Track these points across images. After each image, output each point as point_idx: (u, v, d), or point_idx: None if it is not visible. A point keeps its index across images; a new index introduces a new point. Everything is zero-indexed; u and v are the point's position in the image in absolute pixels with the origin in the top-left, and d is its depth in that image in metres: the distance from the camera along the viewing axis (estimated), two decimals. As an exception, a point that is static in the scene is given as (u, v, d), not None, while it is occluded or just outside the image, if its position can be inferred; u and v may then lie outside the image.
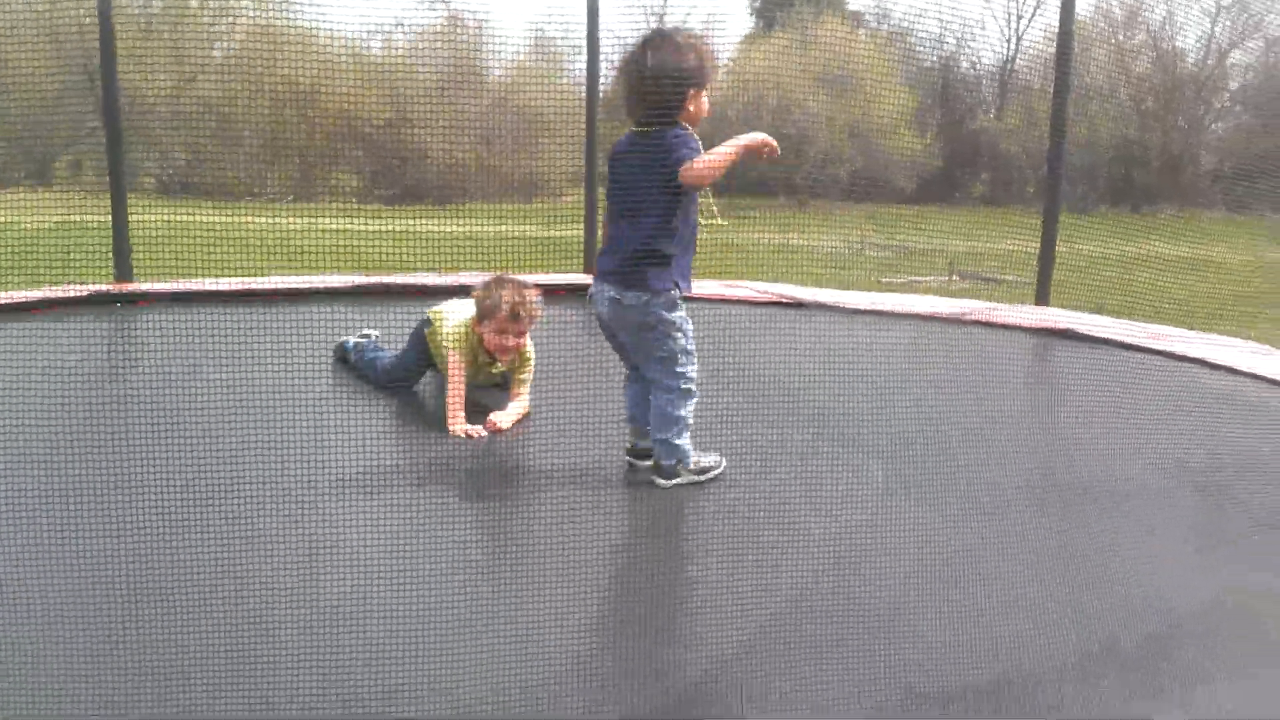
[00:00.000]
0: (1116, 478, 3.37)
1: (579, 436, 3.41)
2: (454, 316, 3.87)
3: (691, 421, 3.12)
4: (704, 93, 3.01)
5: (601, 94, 6.84)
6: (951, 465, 3.40)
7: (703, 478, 3.10)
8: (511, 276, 3.77)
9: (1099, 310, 6.54)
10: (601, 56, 6.77)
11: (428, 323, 4.01)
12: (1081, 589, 2.56)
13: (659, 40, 2.99)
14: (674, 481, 3.08)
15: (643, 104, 2.97)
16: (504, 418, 3.66)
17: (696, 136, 2.98)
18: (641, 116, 2.99)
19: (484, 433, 3.57)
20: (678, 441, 3.09)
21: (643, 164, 2.97)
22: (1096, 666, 2.16)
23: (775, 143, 2.99)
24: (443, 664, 2.03)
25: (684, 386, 3.10)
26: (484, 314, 3.72)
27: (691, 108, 2.99)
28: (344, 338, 4.38)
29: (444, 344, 3.82)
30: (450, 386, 3.69)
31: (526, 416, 3.77)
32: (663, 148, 2.91)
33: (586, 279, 6.46)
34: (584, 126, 6.80)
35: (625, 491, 3.11)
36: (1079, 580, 2.61)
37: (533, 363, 3.85)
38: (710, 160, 2.91)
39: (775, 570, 2.52)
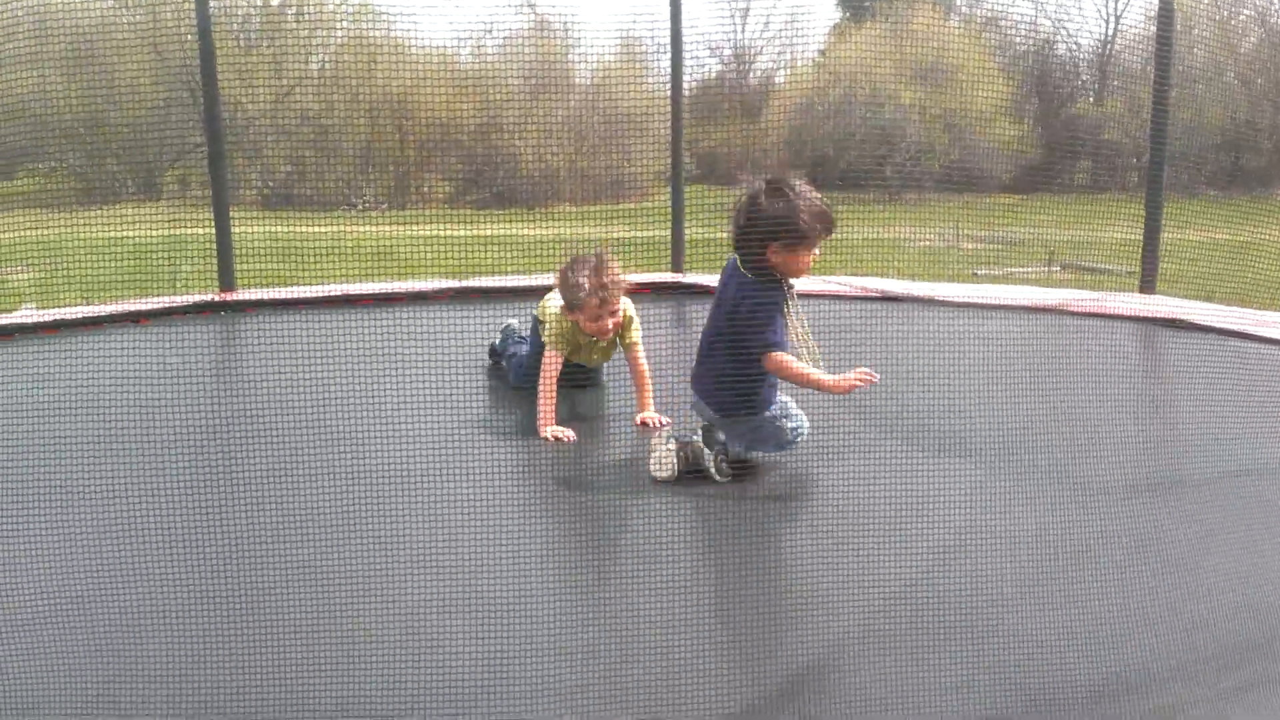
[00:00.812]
0: (1225, 470, 3.24)
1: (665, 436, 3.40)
2: (555, 307, 3.83)
3: None
4: (802, 251, 3.07)
5: (687, 92, 6.84)
6: (1057, 458, 3.30)
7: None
8: (584, 257, 3.68)
9: (1208, 299, 6.29)
10: (686, 54, 6.76)
11: (539, 322, 3.95)
12: (1192, 586, 2.46)
13: (772, 185, 3.09)
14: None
15: (736, 240, 3.14)
16: (651, 415, 3.68)
17: (787, 288, 3.09)
18: (737, 252, 3.16)
19: (573, 436, 3.53)
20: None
21: (732, 299, 3.14)
22: (1204, 667, 2.07)
23: (873, 378, 3.03)
24: (558, 665, 2.05)
25: (792, 441, 3.24)
26: (573, 306, 3.69)
27: (776, 259, 3.07)
28: (491, 339, 4.35)
29: (547, 341, 3.79)
30: (542, 389, 3.64)
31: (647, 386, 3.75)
32: (741, 294, 3.10)
33: (674, 277, 6.47)
34: (669, 126, 6.80)
35: (717, 490, 3.10)
36: (1188, 577, 2.51)
37: (637, 320, 3.79)
38: (792, 368, 3.06)
39: (878, 568, 2.48)
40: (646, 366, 3.77)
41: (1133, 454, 3.40)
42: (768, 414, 3.20)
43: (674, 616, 2.29)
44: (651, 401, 3.73)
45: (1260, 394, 3.86)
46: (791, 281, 3.16)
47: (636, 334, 3.80)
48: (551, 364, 3.69)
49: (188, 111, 12.33)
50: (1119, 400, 3.87)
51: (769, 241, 3.06)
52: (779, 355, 3.08)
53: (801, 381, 3.10)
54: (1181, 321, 5.25)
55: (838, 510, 2.94)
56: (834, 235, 3.14)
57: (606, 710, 1.93)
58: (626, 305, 3.78)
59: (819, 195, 3.09)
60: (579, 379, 3.99)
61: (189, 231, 7.20)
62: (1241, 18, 16.66)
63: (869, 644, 2.20)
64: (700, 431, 3.19)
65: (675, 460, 3.13)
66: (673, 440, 3.16)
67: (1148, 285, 6.11)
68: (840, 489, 3.05)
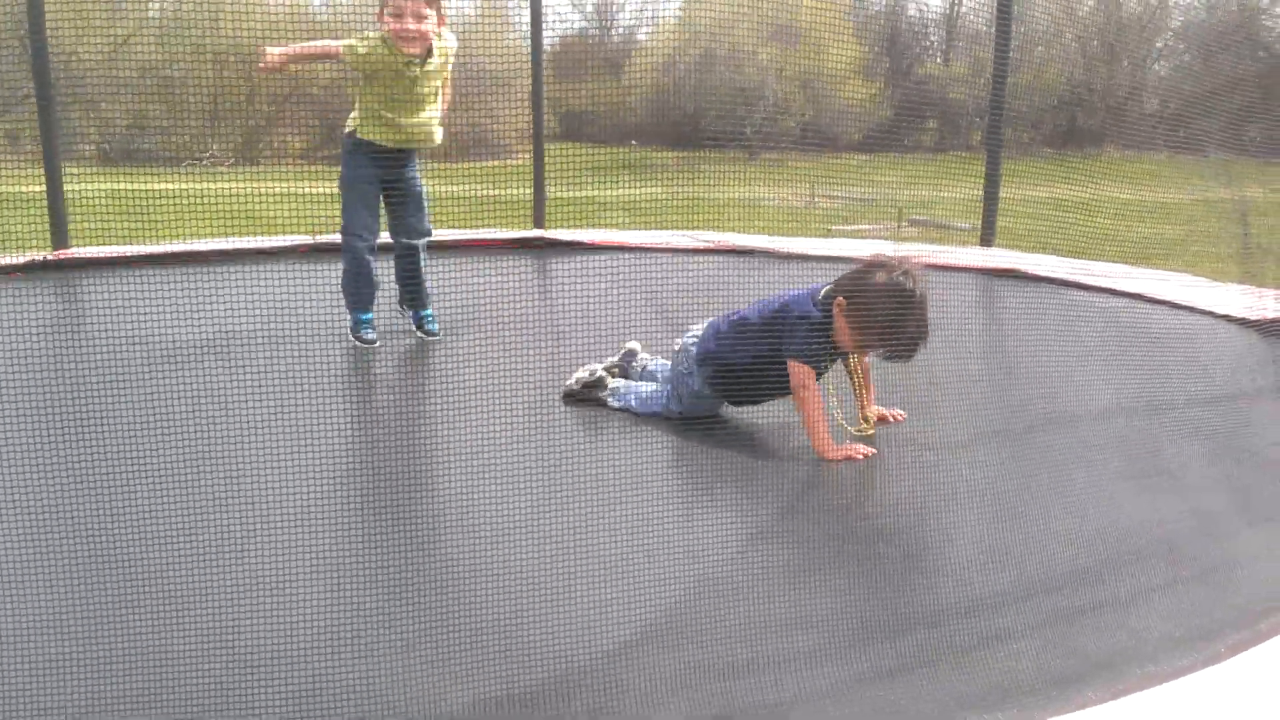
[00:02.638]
0: (1060, 414, 3.46)
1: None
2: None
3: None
4: (855, 336, 3.11)
5: (548, 48, 6.79)
6: (899, 402, 3.47)
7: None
8: None
9: (1045, 252, 6.64)
10: (547, 8, 6.72)
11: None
12: (1022, 521, 2.64)
13: (878, 264, 3.12)
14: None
15: (840, 281, 3.18)
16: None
17: (830, 343, 3.13)
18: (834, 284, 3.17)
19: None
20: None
21: (791, 305, 3.19)
22: (1036, 595, 2.24)
23: (870, 452, 3.09)
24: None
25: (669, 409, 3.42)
26: (382, 4, 3.72)
27: (840, 319, 3.12)
28: (578, 374, 3.62)
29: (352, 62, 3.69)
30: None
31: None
32: (794, 318, 3.15)
33: (535, 234, 6.47)
34: (529, 83, 6.77)
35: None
36: (1019, 513, 2.69)
37: (453, 50, 3.86)
38: (809, 396, 3.10)
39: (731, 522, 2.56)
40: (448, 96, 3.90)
41: (974, 404, 3.60)
42: (692, 389, 3.34)
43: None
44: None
45: (1089, 340, 4.12)
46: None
47: (445, 64, 3.86)
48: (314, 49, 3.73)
49: (17, 61, 11.56)
50: (958, 350, 4.08)
51: (854, 306, 3.09)
52: (806, 371, 3.10)
53: (805, 418, 3.12)
54: (1017, 272, 5.55)
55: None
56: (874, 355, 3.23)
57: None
58: (448, 40, 3.85)
59: (923, 326, 3.08)
60: (397, 184, 3.94)
61: (25, 189, 6.80)
62: (1078, -16, 17.40)
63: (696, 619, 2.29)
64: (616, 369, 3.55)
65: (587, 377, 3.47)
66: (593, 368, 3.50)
67: (987, 239, 6.42)
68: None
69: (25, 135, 13.50)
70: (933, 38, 20.59)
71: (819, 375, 3.16)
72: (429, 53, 3.76)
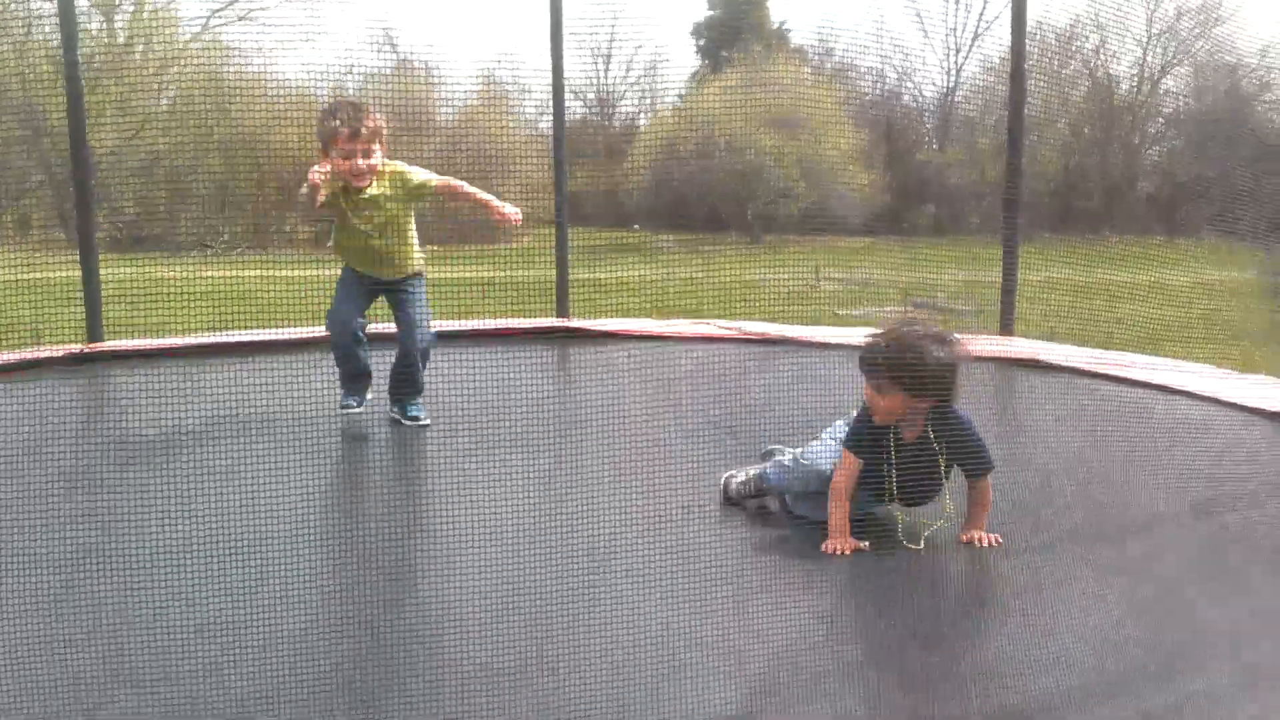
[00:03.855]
0: (1109, 513, 3.44)
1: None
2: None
3: None
4: (884, 397, 3.10)
5: (551, 133, 6.92)
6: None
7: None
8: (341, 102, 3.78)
9: (1050, 336, 6.67)
10: (539, 98, 6.85)
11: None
12: (1050, 621, 2.61)
13: (910, 328, 3.14)
14: None
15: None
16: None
17: (876, 428, 3.12)
18: None
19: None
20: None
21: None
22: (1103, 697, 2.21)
23: (862, 546, 3.09)
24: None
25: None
26: (326, 144, 3.73)
27: (871, 401, 3.14)
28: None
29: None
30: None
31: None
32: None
33: (558, 323, 6.50)
34: (535, 167, 6.86)
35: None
36: (1046, 613, 2.66)
37: (417, 172, 3.85)
38: (842, 478, 3.13)
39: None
40: (488, 196, 3.90)
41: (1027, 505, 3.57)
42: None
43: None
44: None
45: (1113, 434, 4.11)
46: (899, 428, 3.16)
47: (421, 174, 3.87)
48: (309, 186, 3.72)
49: (29, 150, 11.74)
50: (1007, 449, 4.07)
51: (871, 376, 3.12)
52: (848, 459, 3.14)
53: (831, 497, 3.13)
54: (1038, 362, 5.55)
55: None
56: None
57: None
58: (397, 163, 3.85)
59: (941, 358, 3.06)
60: (390, 291, 3.99)
61: (35, 276, 6.84)
62: (1070, 69, 17.85)
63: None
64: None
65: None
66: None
67: (1006, 324, 6.43)
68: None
69: (35, 222, 13.67)
70: (928, 124, 21.00)
71: (878, 465, 3.15)
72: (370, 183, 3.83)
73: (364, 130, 3.67)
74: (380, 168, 3.80)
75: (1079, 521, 3.31)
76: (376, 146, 3.76)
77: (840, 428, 3.30)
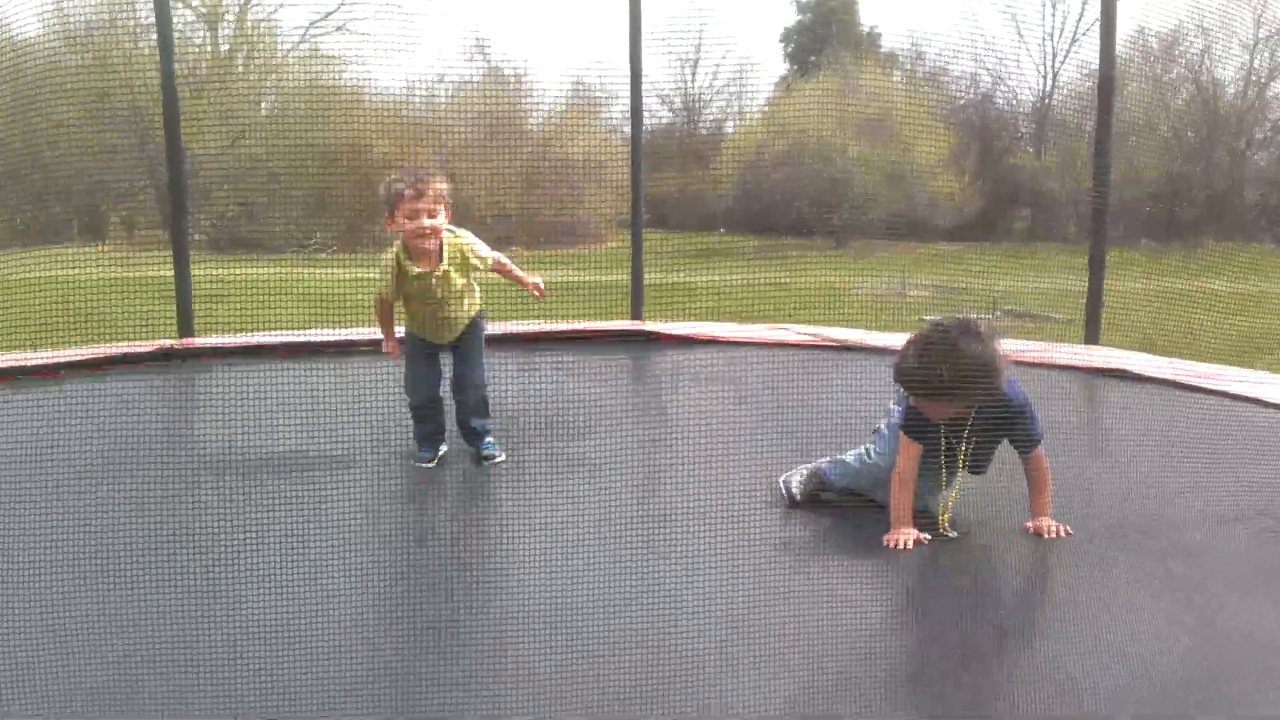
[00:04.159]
0: (1165, 519, 3.33)
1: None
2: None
3: None
4: (930, 404, 3.08)
5: (646, 138, 6.94)
6: (999, 505, 3.36)
7: None
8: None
9: (1148, 347, 6.46)
10: (627, 105, 6.87)
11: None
12: (1130, 628, 2.53)
13: (937, 331, 3.05)
14: None
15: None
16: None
17: (924, 420, 3.09)
18: None
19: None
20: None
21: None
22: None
23: (923, 539, 3.05)
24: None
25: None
26: (389, 204, 3.67)
27: (919, 403, 3.10)
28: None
29: (462, 308, 3.82)
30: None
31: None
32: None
33: (634, 325, 6.53)
34: (621, 172, 6.90)
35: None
36: (1124, 620, 2.58)
37: (481, 245, 3.81)
38: (903, 467, 3.10)
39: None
40: (523, 273, 3.91)
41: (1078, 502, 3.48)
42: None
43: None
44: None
45: (1200, 442, 3.97)
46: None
47: (483, 250, 3.82)
48: (380, 307, 3.80)
49: (134, 154, 12.21)
50: (1066, 449, 3.96)
51: (904, 379, 3.09)
52: (907, 444, 3.11)
53: (894, 485, 3.11)
54: (1124, 372, 5.39)
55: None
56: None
57: None
58: (463, 235, 3.79)
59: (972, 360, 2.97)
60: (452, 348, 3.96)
61: (138, 274, 7.11)
62: (1173, 75, 17.31)
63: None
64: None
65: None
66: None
67: (1092, 334, 6.26)
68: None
69: (141, 222, 14.24)
70: (1023, 129, 20.57)
71: (928, 453, 3.12)
72: (440, 258, 3.75)
73: (429, 192, 3.65)
74: (445, 234, 3.74)
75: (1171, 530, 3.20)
76: (440, 209, 3.70)
77: (896, 412, 3.25)
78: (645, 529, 3.15)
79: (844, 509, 3.34)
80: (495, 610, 2.66)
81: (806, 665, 2.31)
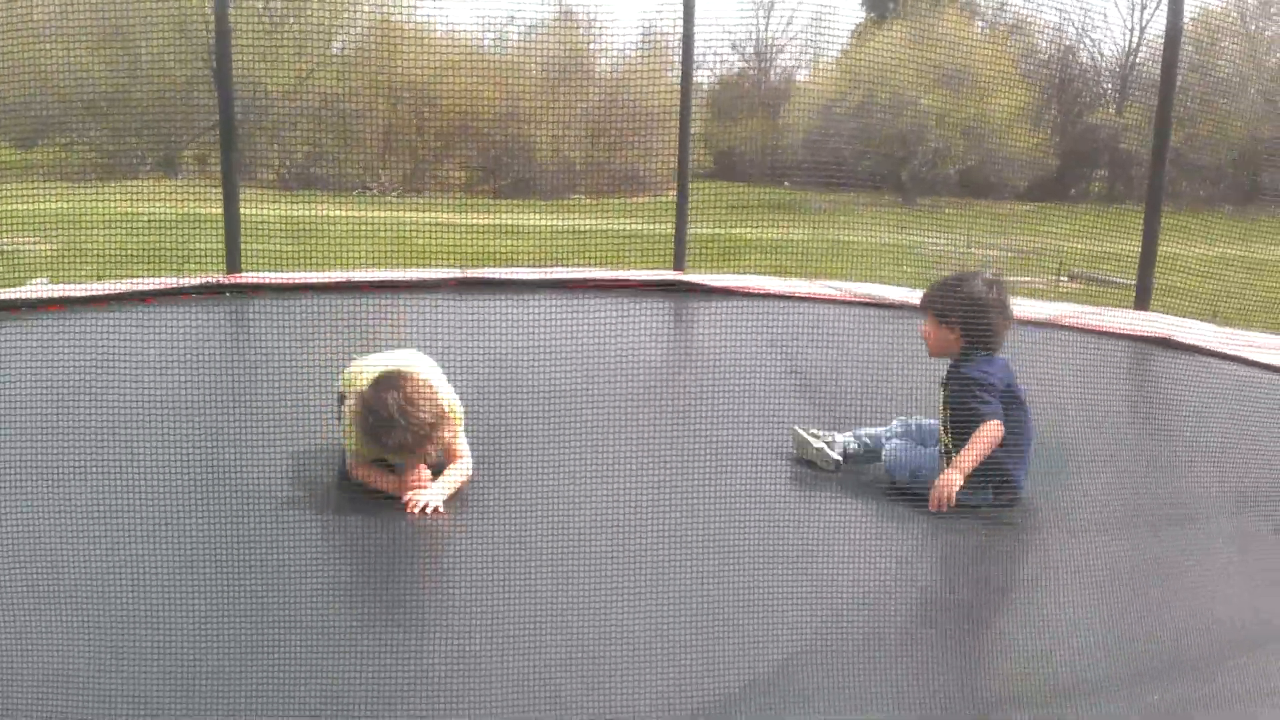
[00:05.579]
0: (1198, 498, 3.27)
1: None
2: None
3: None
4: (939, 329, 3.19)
5: (707, 88, 6.85)
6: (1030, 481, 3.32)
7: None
8: (389, 377, 2.97)
9: (1212, 316, 6.26)
10: (708, 49, 6.78)
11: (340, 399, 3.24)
12: (1158, 606, 2.51)
13: (980, 275, 3.21)
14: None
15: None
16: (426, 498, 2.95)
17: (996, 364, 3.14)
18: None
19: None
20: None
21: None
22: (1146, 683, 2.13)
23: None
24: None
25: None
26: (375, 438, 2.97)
27: (928, 330, 3.22)
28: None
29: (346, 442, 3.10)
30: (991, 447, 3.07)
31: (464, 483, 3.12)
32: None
33: (674, 275, 6.50)
34: (704, 121, 6.83)
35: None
36: (1152, 598, 2.56)
37: (459, 414, 3.16)
38: (998, 440, 3.05)
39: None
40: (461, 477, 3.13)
41: (1104, 478, 3.42)
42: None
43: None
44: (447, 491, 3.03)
45: (1248, 422, 3.88)
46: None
47: (459, 440, 3.15)
48: (358, 471, 3.10)
49: (209, 89, 12.42)
50: (1098, 423, 3.89)
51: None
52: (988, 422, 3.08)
53: (987, 448, 3.05)
54: (1171, 341, 5.23)
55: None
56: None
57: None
58: (458, 444, 3.16)
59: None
60: None
61: (206, 210, 7.27)
62: (1269, 33, 16.55)
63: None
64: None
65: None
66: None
67: (1142, 299, 6.09)
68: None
69: (212, 159, 14.50)
70: (1106, 85, 19.87)
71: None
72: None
73: (417, 446, 2.94)
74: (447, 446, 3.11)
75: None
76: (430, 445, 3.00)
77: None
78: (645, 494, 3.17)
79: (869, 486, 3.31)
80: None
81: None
